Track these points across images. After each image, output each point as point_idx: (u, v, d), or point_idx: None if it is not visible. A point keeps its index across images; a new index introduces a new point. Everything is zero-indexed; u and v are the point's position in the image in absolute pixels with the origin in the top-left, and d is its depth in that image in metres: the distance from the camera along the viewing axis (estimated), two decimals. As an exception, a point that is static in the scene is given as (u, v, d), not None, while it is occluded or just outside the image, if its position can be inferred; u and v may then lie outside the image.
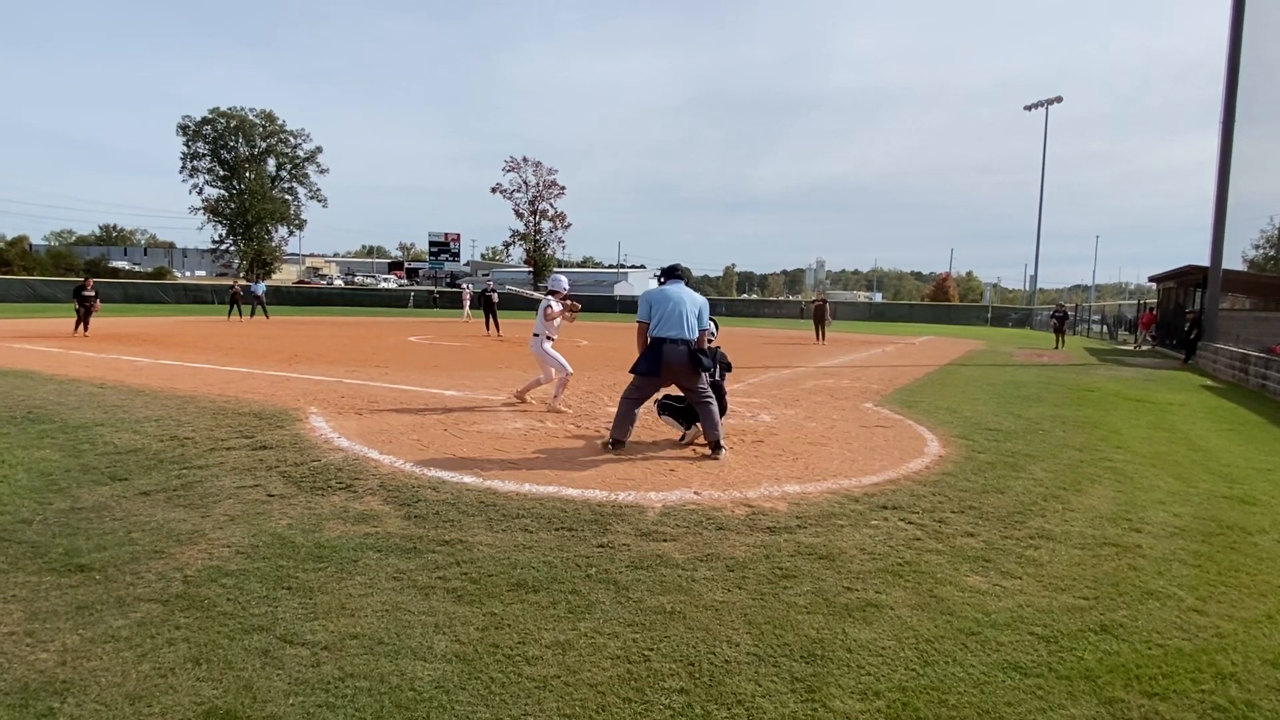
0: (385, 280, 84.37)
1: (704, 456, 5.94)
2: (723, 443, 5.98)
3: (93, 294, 17.43)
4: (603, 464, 5.64)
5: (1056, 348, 23.77)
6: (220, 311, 30.71)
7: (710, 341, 6.56)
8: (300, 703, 2.38)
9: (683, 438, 6.46)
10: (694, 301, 6.08)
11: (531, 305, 8.66)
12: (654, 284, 6.52)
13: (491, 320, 21.78)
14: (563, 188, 64.33)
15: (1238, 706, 2.54)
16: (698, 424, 6.22)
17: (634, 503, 4.62)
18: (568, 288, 8.57)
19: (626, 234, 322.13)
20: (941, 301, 70.85)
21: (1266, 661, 2.86)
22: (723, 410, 6.43)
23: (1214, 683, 2.68)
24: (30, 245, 73.54)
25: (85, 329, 16.84)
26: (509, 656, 2.71)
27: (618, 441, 5.94)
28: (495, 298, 22.21)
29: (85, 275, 20.24)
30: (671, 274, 6.31)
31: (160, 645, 2.71)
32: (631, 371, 6.07)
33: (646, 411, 6.67)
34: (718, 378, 6.50)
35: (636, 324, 6.17)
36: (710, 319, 6.40)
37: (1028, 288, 67.29)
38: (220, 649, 2.69)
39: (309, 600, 3.11)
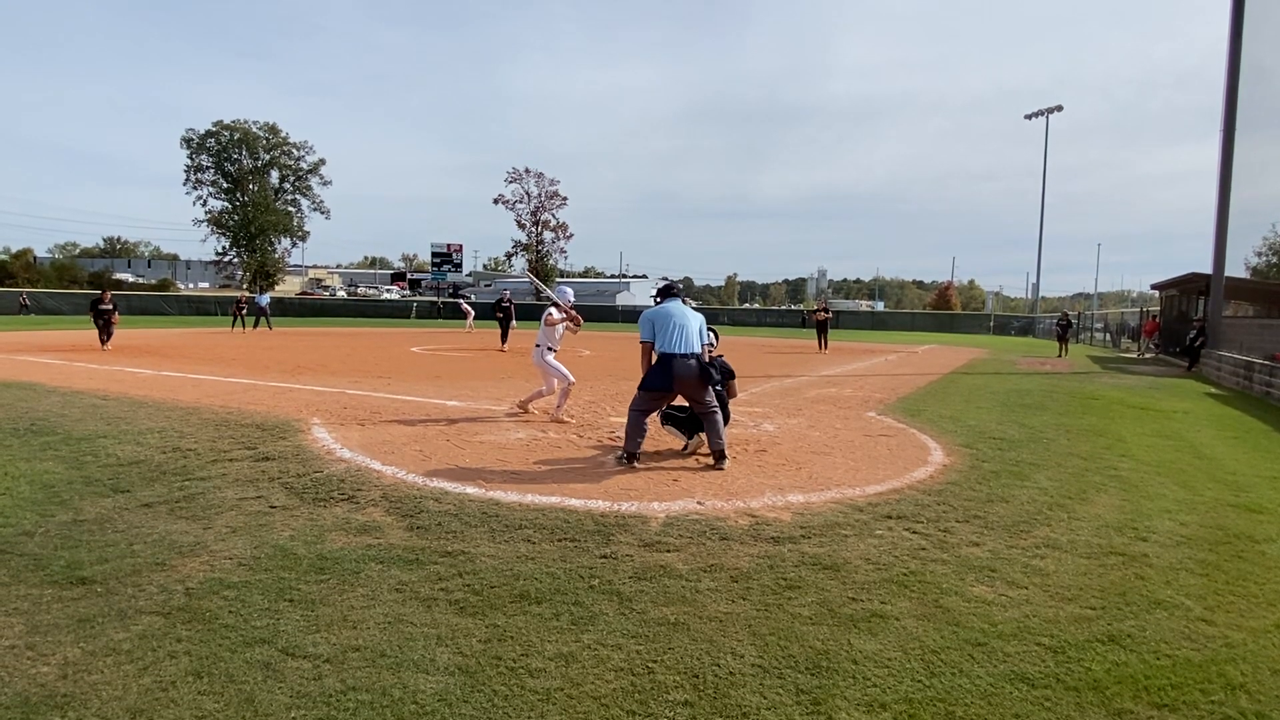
0: (388, 291, 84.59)
1: (707, 466, 5.92)
2: (726, 453, 5.97)
3: (110, 307, 17.00)
4: (605, 474, 5.63)
5: (1060, 356, 23.72)
6: (224, 323, 30.83)
7: (711, 351, 6.63)
8: (302, 716, 2.36)
9: (685, 447, 6.45)
10: (694, 317, 6.19)
11: (536, 309, 8.73)
12: (653, 298, 6.55)
13: (506, 334, 20.36)
14: (564, 198, 64.58)
15: (1248, 717, 2.51)
16: (700, 434, 6.25)
17: (637, 513, 4.60)
18: (572, 299, 8.60)
19: (628, 244, 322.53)
20: (944, 310, 70.80)
21: (1277, 671, 2.83)
22: (725, 419, 6.44)
23: (1224, 693, 2.65)
24: (34, 258, 73.86)
25: (109, 341, 16.61)
26: (512, 669, 2.69)
27: (631, 455, 5.94)
28: (511, 310, 20.67)
29: (103, 289, 20.05)
30: (668, 293, 6.40)
31: (161, 658, 2.70)
32: (641, 388, 6.08)
33: (651, 422, 6.65)
34: (719, 387, 6.51)
35: (641, 344, 6.23)
36: (709, 329, 6.47)
37: (1030, 296, 67.27)
38: (222, 662, 2.68)
39: (311, 612, 3.10)
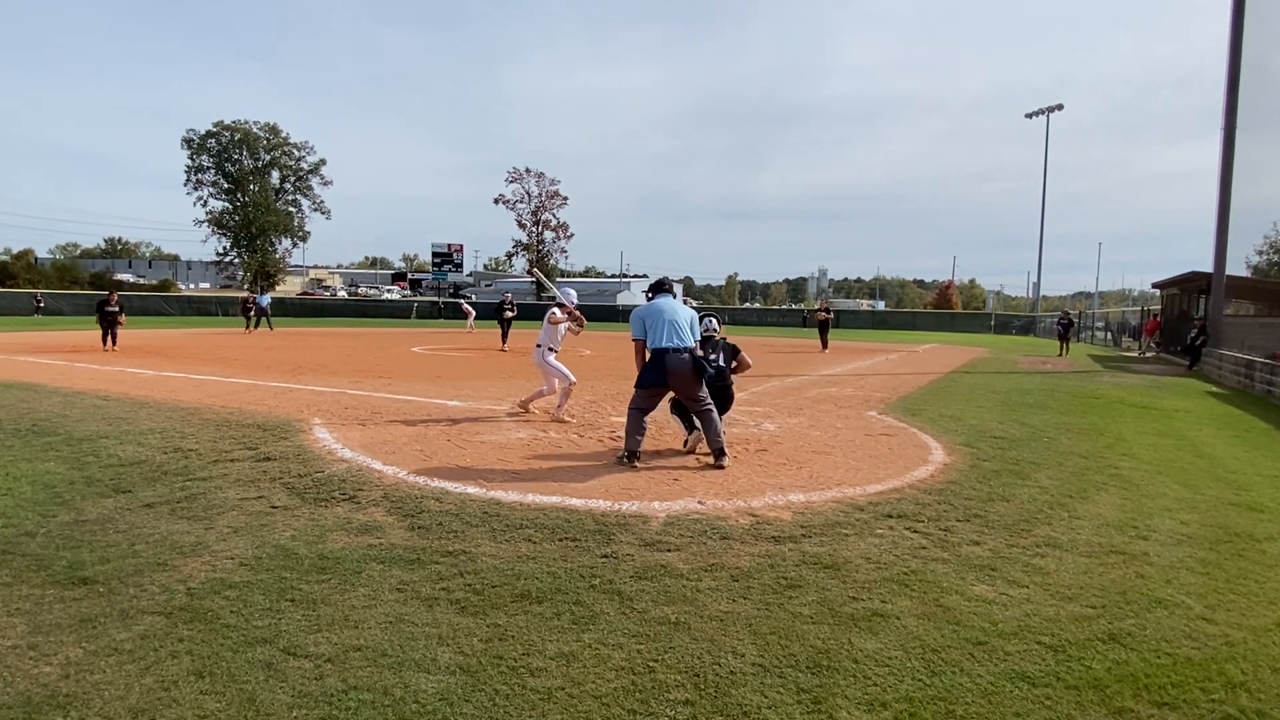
0: (389, 291, 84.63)
1: (707, 465, 5.92)
2: (726, 450, 5.97)
3: (116, 309, 16.86)
4: (606, 474, 5.63)
5: (1061, 355, 23.71)
6: (227, 323, 30.86)
7: (715, 335, 6.69)
8: (303, 715, 2.37)
9: (685, 443, 6.49)
10: (684, 312, 6.19)
11: (540, 310, 8.79)
12: (646, 294, 6.60)
13: (506, 334, 20.56)
14: (565, 198, 64.48)
15: (1248, 716, 2.51)
16: (698, 430, 6.30)
17: (638, 513, 4.61)
18: (575, 300, 8.60)
19: (629, 244, 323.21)
20: (945, 309, 70.74)
21: (1277, 670, 2.83)
22: (729, 403, 6.52)
23: (1224, 692, 2.65)
24: (36, 258, 73.97)
25: (113, 343, 16.55)
26: (513, 668, 2.69)
27: (632, 454, 5.95)
28: (510, 313, 20.67)
29: (109, 290, 20.06)
30: (659, 288, 6.41)
31: (163, 658, 2.70)
32: (637, 386, 6.10)
33: (651, 421, 6.67)
34: (723, 363, 6.57)
35: (633, 342, 6.24)
36: (712, 317, 6.54)
37: (1031, 295, 67.16)
38: (223, 662, 2.68)
39: (312, 612, 3.10)
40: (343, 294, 77.84)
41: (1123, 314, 37.34)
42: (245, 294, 36.82)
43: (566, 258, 67.72)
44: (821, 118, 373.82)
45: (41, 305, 38.66)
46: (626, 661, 2.76)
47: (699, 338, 6.25)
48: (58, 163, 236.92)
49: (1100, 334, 37.84)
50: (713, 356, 6.48)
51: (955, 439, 7.43)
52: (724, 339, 6.84)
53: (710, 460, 5.99)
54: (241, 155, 58.96)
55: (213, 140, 58.13)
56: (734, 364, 6.81)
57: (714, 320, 6.88)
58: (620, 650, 2.85)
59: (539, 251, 64.27)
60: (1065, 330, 25.49)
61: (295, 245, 63.44)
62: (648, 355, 6.10)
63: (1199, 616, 3.29)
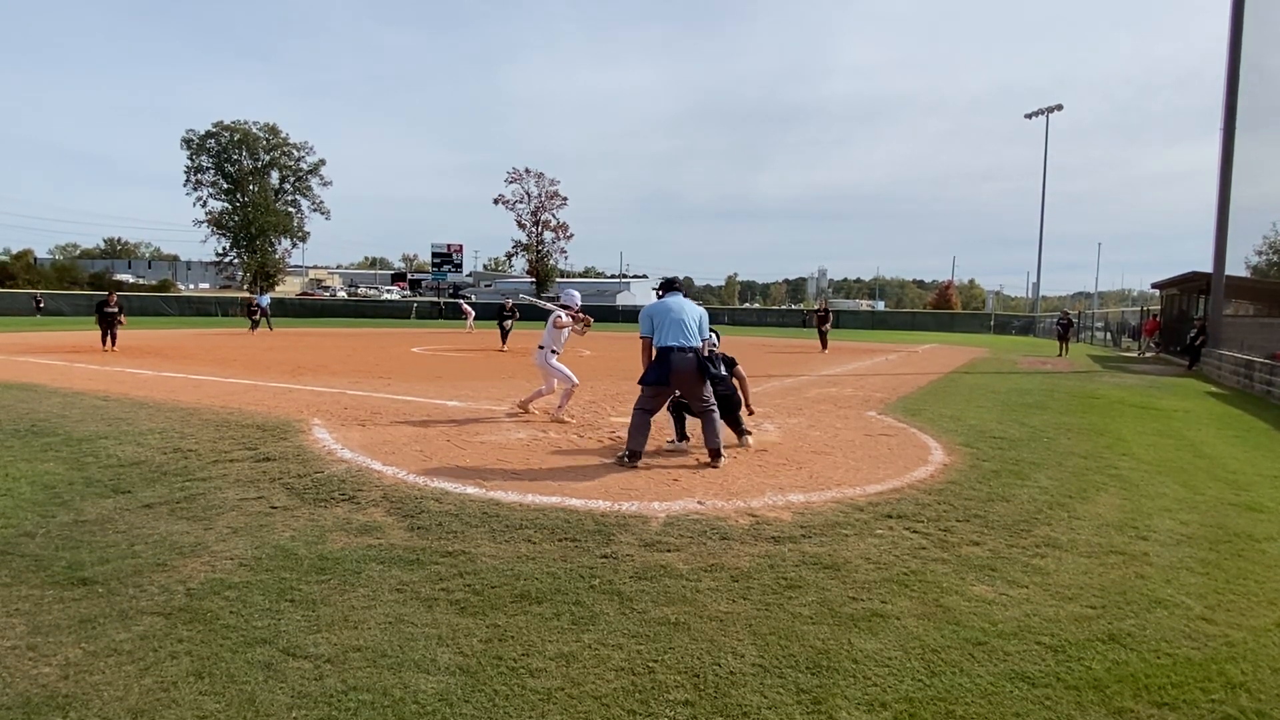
0: (388, 291, 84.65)
1: (704, 464, 5.92)
2: (723, 451, 5.97)
3: (115, 309, 16.84)
4: (606, 474, 5.63)
5: (1060, 355, 23.72)
6: (227, 324, 30.86)
7: (714, 350, 6.71)
8: (303, 716, 2.37)
9: (670, 442, 6.52)
10: (693, 311, 6.17)
11: (543, 315, 8.69)
12: (653, 296, 6.61)
13: (505, 334, 20.63)
14: (565, 198, 64.42)
15: (1248, 716, 2.51)
16: (686, 441, 6.45)
17: (637, 513, 4.61)
18: (579, 302, 8.58)
19: (629, 244, 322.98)
20: (944, 309, 70.67)
21: (1277, 670, 2.83)
22: (735, 407, 6.58)
23: (1224, 692, 2.65)
24: (35, 259, 74.01)
25: (113, 344, 16.53)
26: (512, 669, 2.69)
27: (634, 454, 5.94)
28: (509, 322, 20.66)
29: (109, 290, 20.00)
30: (669, 287, 6.41)
31: (163, 659, 2.70)
32: (640, 383, 6.10)
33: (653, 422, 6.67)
34: (723, 371, 6.60)
35: (640, 339, 6.23)
36: (710, 329, 6.52)
37: (1030, 295, 67.16)
38: (223, 662, 2.68)
39: (312, 613, 3.10)
40: (342, 294, 77.87)
41: (1122, 314, 37.34)
42: (248, 295, 36.88)
43: (566, 258, 67.64)
44: (821, 118, 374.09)
45: (41, 305, 38.81)
46: (626, 662, 2.76)
47: (706, 337, 6.24)
48: (58, 163, 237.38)
49: (1100, 334, 37.85)
50: (715, 372, 6.52)
51: (955, 439, 7.43)
52: (722, 354, 6.87)
53: (707, 460, 5.99)
54: (241, 155, 58.87)
55: (212, 140, 58.05)
56: (732, 376, 6.85)
57: (714, 335, 6.89)
58: (620, 650, 2.85)
59: (539, 252, 64.21)
60: (1065, 330, 25.49)
61: (295, 245, 63.40)
62: (654, 353, 6.09)
63: (1199, 616, 3.29)
